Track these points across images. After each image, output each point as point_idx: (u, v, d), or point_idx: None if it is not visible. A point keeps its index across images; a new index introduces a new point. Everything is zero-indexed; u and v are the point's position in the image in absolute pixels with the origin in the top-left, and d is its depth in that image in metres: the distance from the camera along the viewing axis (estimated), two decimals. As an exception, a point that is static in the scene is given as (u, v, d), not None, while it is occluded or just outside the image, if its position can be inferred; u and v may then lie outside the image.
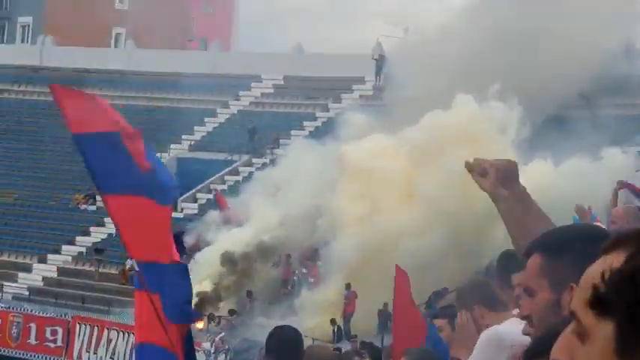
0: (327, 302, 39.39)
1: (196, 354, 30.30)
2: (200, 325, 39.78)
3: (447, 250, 36.67)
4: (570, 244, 3.69)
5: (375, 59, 52.59)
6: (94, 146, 9.99)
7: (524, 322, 4.05)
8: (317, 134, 49.06)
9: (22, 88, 61.72)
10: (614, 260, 1.75)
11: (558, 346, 2.07)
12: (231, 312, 40.59)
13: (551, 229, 4.30)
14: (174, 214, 43.53)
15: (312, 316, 38.74)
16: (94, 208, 51.21)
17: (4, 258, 49.84)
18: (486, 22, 45.62)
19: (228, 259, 42.48)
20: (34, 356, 42.73)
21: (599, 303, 1.69)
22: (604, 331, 1.68)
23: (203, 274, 40.65)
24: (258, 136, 51.24)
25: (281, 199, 44.06)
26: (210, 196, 49.53)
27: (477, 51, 44.32)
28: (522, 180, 5.93)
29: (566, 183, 34.70)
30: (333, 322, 37.78)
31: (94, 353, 42.49)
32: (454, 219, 37.59)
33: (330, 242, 40.65)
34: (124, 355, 40.59)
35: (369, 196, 40.42)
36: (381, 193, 40.18)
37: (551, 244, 3.72)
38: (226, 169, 51.51)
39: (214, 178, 51.08)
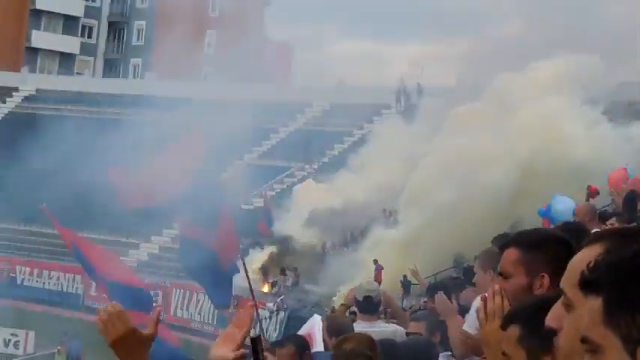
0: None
1: (262, 312, 30.09)
2: (265, 288, 39.60)
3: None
4: (542, 243, 3.80)
5: (396, 92, 52.54)
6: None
7: None
8: (355, 147, 48.54)
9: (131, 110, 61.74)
10: (594, 251, 1.81)
11: (551, 316, 2.13)
12: (282, 270, 40.00)
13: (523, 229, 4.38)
14: (245, 206, 43.07)
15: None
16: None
17: (121, 238, 49.83)
18: None
19: (315, 217, 41.01)
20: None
21: (587, 284, 1.71)
22: (591, 305, 1.68)
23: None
24: (310, 148, 51.22)
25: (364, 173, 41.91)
26: (274, 192, 49.44)
27: None
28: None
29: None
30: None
31: (186, 310, 42.59)
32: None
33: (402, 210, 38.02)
34: (209, 312, 40.53)
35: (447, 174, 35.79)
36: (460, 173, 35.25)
37: (526, 241, 3.83)
38: (285, 173, 51.55)
39: (276, 180, 51.09)
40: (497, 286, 3.71)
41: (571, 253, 2.03)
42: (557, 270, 2.70)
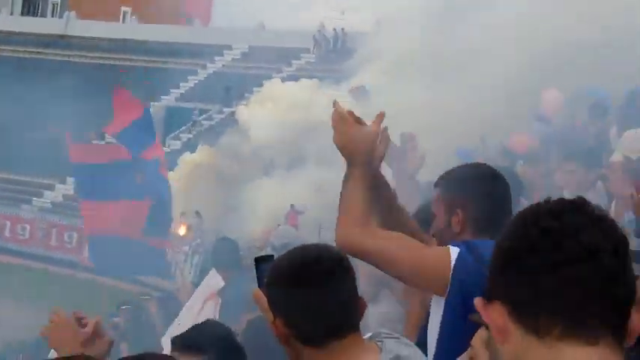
0: None
1: (177, 255, 29.52)
2: (182, 231, 38.47)
3: None
4: (459, 181, 3.63)
5: (315, 36, 51.50)
6: None
7: None
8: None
9: (50, 51, 59.90)
10: None
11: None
12: (197, 213, 38.91)
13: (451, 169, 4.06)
14: (164, 149, 41.56)
15: None
16: (103, 142, 50.04)
17: (34, 179, 48.47)
18: None
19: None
20: (55, 253, 42.46)
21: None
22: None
23: None
24: (230, 91, 50.00)
25: None
26: (190, 135, 48.40)
27: None
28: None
29: None
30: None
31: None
32: None
33: None
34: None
35: None
36: None
37: (444, 181, 3.69)
38: (203, 115, 50.41)
39: (192, 122, 50.07)
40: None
41: None
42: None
